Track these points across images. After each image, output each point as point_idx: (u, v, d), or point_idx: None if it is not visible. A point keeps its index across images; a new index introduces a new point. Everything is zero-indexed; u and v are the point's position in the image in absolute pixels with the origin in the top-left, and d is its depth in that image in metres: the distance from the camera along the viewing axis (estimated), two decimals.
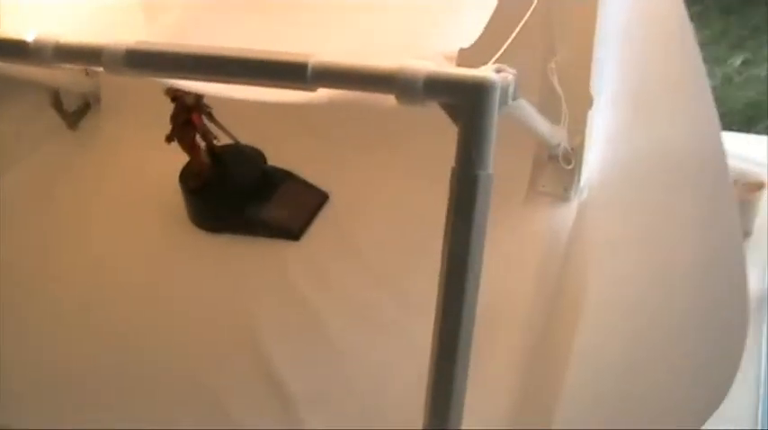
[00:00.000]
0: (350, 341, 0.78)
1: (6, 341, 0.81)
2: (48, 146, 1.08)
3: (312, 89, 0.54)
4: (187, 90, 0.80)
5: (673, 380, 0.70)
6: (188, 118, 0.87)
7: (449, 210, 0.51)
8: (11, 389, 0.77)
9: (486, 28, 0.59)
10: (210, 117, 0.89)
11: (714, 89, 0.71)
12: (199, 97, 0.86)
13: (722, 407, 0.64)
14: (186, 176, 0.92)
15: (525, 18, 0.59)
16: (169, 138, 0.88)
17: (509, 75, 0.52)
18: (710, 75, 1.61)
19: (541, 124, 0.73)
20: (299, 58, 0.53)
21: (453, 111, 0.50)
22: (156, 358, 0.79)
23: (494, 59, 0.54)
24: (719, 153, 0.72)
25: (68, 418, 0.76)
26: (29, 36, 0.62)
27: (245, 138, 0.92)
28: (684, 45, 0.73)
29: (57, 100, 1.12)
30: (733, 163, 0.85)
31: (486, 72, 0.49)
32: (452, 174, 0.50)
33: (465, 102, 0.49)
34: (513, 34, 0.57)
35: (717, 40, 1.93)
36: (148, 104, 0.90)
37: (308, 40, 0.65)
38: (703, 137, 0.74)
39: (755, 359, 0.74)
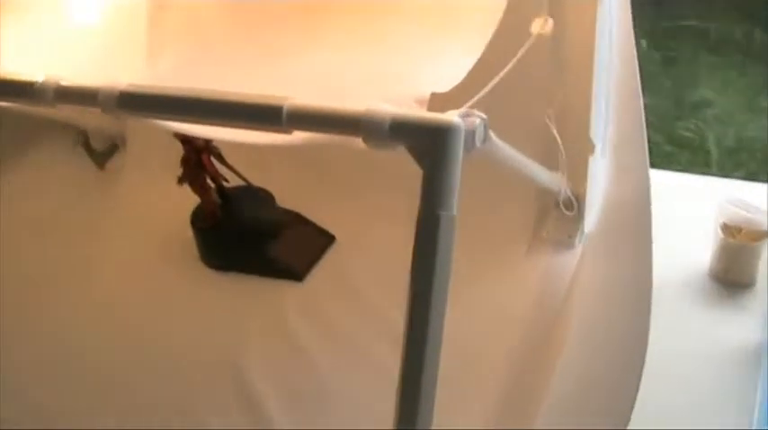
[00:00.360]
0: (339, 380, 0.79)
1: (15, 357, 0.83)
2: (75, 183, 1.11)
3: (288, 132, 0.56)
4: (179, 132, 0.82)
5: None
6: (198, 160, 0.90)
7: (413, 250, 0.52)
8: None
9: (469, 74, 0.60)
10: (220, 158, 0.91)
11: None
12: (208, 140, 0.88)
13: None
14: (197, 217, 0.94)
15: (508, 68, 0.60)
16: (180, 181, 0.91)
17: (476, 119, 0.52)
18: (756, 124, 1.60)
19: (531, 168, 0.73)
20: (275, 102, 0.55)
21: (418, 154, 0.51)
22: (146, 386, 0.81)
23: (469, 104, 0.54)
24: None
25: None
26: (33, 78, 0.66)
27: (256, 180, 0.94)
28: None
29: (86, 141, 1.17)
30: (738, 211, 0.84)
31: (449, 116, 0.50)
32: (417, 215, 0.51)
33: (428, 144, 0.50)
34: (492, 83, 0.58)
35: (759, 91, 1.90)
36: (169, 146, 0.92)
37: (292, 82, 0.67)
38: None
39: (749, 409, 0.72)
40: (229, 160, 0.92)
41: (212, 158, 0.91)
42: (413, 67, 0.63)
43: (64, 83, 0.65)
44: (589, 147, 0.82)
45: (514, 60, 0.59)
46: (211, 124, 0.59)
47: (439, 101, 0.55)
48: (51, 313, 0.90)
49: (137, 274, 0.95)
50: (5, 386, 0.80)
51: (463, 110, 0.52)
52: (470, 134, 0.51)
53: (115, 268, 0.95)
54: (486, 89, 0.56)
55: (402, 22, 0.71)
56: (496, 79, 0.58)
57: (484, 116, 0.53)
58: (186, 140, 0.88)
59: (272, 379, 0.79)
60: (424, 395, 0.52)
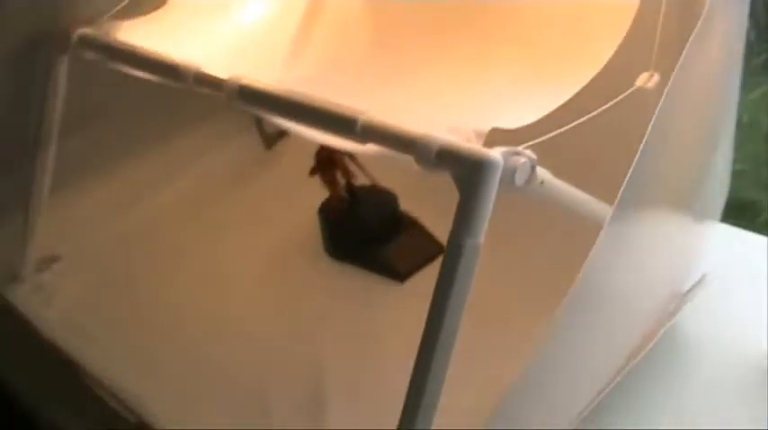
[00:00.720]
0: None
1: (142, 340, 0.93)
2: (241, 158, 1.22)
3: (362, 142, 0.61)
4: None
5: None
6: (330, 155, 0.97)
7: (439, 272, 0.56)
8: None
9: (548, 116, 0.62)
10: (351, 157, 0.98)
11: None
12: None
13: None
14: (324, 208, 1.02)
15: (584, 118, 0.61)
16: (312, 172, 0.99)
17: (522, 159, 0.55)
18: None
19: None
20: (352, 114, 0.61)
21: (457, 183, 0.55)
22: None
23: (527, 145, 0.57)
24: None
25: None
26: (178, 61, 0.76)
27: (384, 181, 1.01)
28: None
29: (259, 121, 1.29)
30: None
31: (491, 152, 0.54)
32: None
33: (465, 174, 0.54)
34: (562, 129, 0.59)
35: None
36: None
37: (403, 95, 0.72)
38: None
39: None
40: (360, 160, 0.99)
41: (344, 156, 0.98)
42: (496, 100, 0.66)
43: (202, 69, 0.75)
44: None
45: (598, 111, 0.60)
46: (300, 123, 0.66)
47: (503, 136, 0.58)
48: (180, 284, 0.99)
49: (263, 251, 1.03)
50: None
51: (510, 148, 0.55)
52: (510, 171, 0.54)
53: (247, 247, 1.04)
54: (551, 135, 0.58)
55: (514, 54, 0.74)
56: (568, 127, 0.59)
57: (533, 157, 0.56)
58: None
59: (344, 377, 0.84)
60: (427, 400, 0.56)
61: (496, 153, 0.54)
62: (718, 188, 0.80)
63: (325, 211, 1.02)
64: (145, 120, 1.07)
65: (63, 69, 0.91)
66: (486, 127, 0.58)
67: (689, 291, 0.83)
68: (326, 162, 0.98)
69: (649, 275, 0.66)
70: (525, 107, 0.62)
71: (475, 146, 0.55)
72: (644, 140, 0.52)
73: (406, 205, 1.03)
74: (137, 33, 0.87)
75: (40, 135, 0.93)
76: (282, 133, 1.30)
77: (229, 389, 0.82)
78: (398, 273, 0.96)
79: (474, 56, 0.75)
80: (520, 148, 0.56)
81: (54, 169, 0.95)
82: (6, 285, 0.96)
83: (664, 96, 0.51)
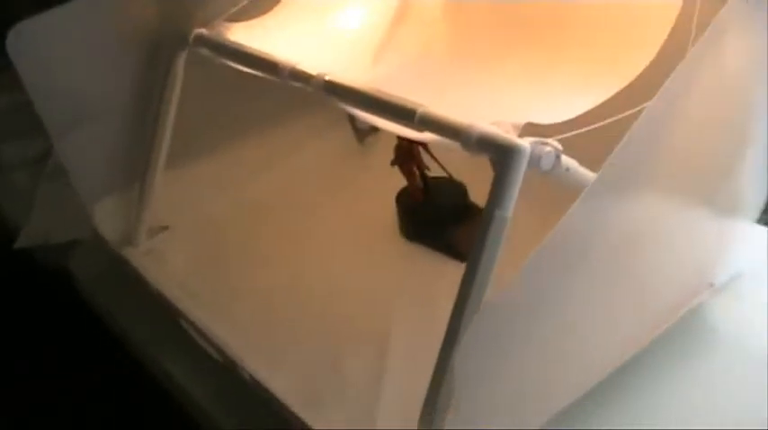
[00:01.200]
0: None
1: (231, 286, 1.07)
2: (332, 148, 1.35)
3: (420, 131, 0.73)
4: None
5: None
6: (410, 148, 1.09)
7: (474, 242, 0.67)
8: None
9: (584, 115, 0.71)
10: (426, 149, 1.09)
11: None
12: None
13: None
14: (401, 195, 1.14)
15: (612, 120, 0.70)
16: (393, 163, 1.10)
17: (548, 148, 0.66)
18: None
19: None
20: (412, 106, 0.73)
21: (494, 166, 0.66)
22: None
23: (556, 137, 0.67)
24: None
25: None
26: (277, 59, 0.89)
27: (457, 174, 1.12)
28: None
29: (351, 117, 1.41)
30: None
31: (521, 140, 0.65)
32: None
33: (498, 158, 0.65)
34: (590, 127, 0.68)
35: None
36: None
37: (465, 97, 0.83)
38: None
39: None
40: (436, 154, 1.10)
41: (421, 149, 1.09)
42: (538, 98, 0.77)
43: (297, 66, 0.88)
44: None
45: (624, 114, 0.68)
46: (371, 114, 0.78)
47: (537, 130, 0.68)
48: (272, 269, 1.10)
49: (348, 231, 1.15)
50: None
51: (539, 139, 0.66)
52: (537, 158, 0.65)
53: (330, 231, 1.16)
54: (579, 131, 0.67)
55: (563, 58, 0.83)
56: (596, 125, 0.69)
57: (558, 146, 0.66)
58: None
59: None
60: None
61: (525, 142, 0.65)
62: (754, 188, 0.87)
63: (403, 198, 1.14)
64: (251, 111, 1.21)
65: (180, 64, 1.05)
66: (523, 121, 0.68)
67: (715, 286, 0.90)
68: (405, 155, 1.10)
69: (656, 259, 0.74)
70: (562, 106, 0.72)
71: (508, 135, 0.65)
72: (638, 125, 0.60)
73: (475, 196, 1.13)
74: (244, 34, 1.01)
75: (158, 118, 1.08)
76: (373, 129, 1.43)
77: (304, 348, 0.94)
78: (461, 254, 1.07)
79: (529, 59, 0.85)
80: (548, 140, 0.66)
81: (168, 149, 1.10)
82: (122, 248, 1.11)
83: (661, 91, 0.60)
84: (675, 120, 0.64)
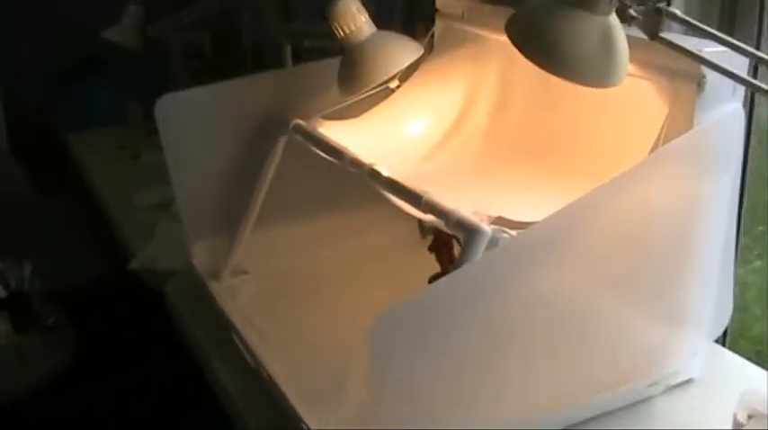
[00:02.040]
0: None
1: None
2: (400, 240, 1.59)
3: (425, 213, 0.98)
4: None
5: None
6: (445, 240, 1.32)
7: None
8: None
9: None
10: (459, 242, 1.32)
11: None
12: None
13: None
14: (433, 279, 1.35)
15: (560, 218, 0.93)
16: (429, 249, 1.33)
17: (505, 234, 0.89)
18: None
19: None
20: (420, 192, 0.98)
21: (463, 245, 0.90)
22: None
23: (512, 229, 0.91)
24: None
25: None
26: (343, 149, 1.17)
27: None
28: None
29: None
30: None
31: (481, 224, 0.88)
32: None
33: (466, 237, 0.89)
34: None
35: None
36: None
37: (471, 195, 1.07)
38: None
39: None
40: None
41: (455, 242, 1.33)
42: (518, 203, 1.00)
43: (356, 156, 1.15)
44: None
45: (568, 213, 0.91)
46: (395, 196, 1.03)
47: (504, 223, 0.91)
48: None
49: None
50: None
51: (500, 227, 0.89)
52: (495, 240, 0.88)
53: (377, 292, 1.38)
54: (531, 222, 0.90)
55: (556, 179, 1.07)
56: (543, 221, 0.90)
57: (513, 234, 0.89)
58: None
59: None
60: None
61: (488, 228, 0.88)
62: (704, 310, 1.06)
63: (434, 280, 1.36)
64: (335, 193, 1.46)
65: (280, 145, 1.35)
66: (496, 214, 0.92)
67: (667, 385, 1.07)
68: (441, 244, 1.33)
69: (568, 331, 0.93)
70: (533, 211, 0.94)
71: (477, 221, 0.89)
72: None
73: None
74: (333, 130, 1.30)
75: (257, 185, 1.37)
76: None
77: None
78: None
79: (528, 176, 1.10)
80: (506, 229, 0.89)
81: (260, 211, 1.38)
82: (208, 280, 1.39)
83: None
84: (588, 226, 0.86)
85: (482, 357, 0.88)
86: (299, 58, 2.00)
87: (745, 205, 1.25)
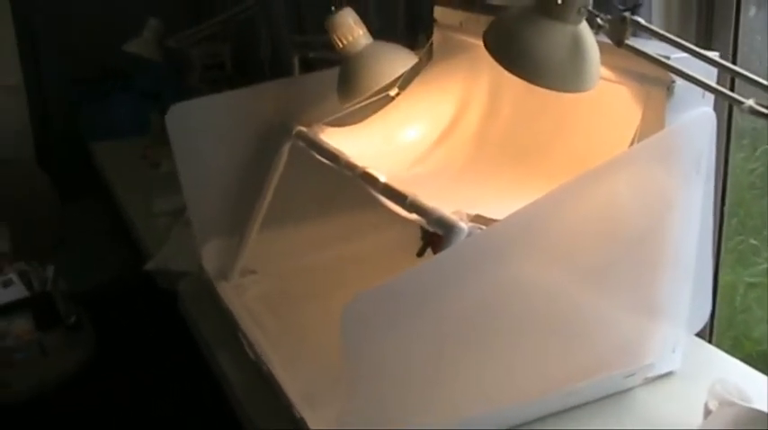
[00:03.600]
0: None
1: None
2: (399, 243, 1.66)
3: (410, 212, 1.04)
4: None
5: None
6: (433, 240, 1.37)
7: None
8: None
9: None
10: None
11: None
12: None
13: None
14: None
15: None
16: (419, 254, 1.38)
17: (479, 230, 0.95)
18: None
19: None
20: (405, 193, 1.04)
21: (443, 238, 0.96)
22: None
23: (485, 225, 0.96)
24: None
25: None
26: (343, 155, 1.23)
27: None
28: None
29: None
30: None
31: (459, 221, 0.94)
32: None
33: (444, 233, 0.95)
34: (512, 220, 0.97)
35: None
36: None
37: (455, 197, 1.13)
38: None
39: None
40: None
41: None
42: (497, 203, 1.06)
43: (350, 159, 1.21)
44: None
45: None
46: (383, 196, 1.09)
47: (483, 221, 0.97)
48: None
49: None
50: None
51: (476, 224, 0.95)
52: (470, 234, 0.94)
53: None
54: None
55: (536, 183, 1.12)
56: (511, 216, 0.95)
57: (483, 228, 0.95)
58: None
59: None
60: None
61: (465, 225, 0.94)
62: (680, 304, 1.11)
63: None
64: (342, 198, 1.53)
65: (285, 150, 1.42)
66: (474, 212, 0.98)
67: (630, 376, 1.11)
68: (431, 245, 1.38)
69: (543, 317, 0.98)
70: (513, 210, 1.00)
71: (454, 218, 0.95)
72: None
73: None
74: (334, 136, 1.36)
75: (263, 188, 1.44)
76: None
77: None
78: None
79: (511, 180, 1.16)
80: (483, 227, 0.95)
81: (267, 213, 1.45)
82: (218, 281, 1.46)
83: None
84: (557, 219, 0.92)
85: (454, 344, 0.94)
86: (310, 68, 2.07)
87: (727, 206, 1.30)
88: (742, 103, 0.88)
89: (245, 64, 2.81)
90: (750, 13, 1.21)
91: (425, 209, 0.99)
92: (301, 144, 1.37)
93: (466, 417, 0.99)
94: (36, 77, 3.00)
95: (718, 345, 1.28)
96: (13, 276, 2.02)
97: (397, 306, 0.88)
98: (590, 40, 0.95)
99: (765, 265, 1.63)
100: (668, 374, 1.16)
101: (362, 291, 0.84)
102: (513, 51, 0.93)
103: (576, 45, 0.93)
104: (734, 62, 1.16)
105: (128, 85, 2.89)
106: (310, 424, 1.04)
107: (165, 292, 1.59)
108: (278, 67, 2.65)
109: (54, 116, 3.02)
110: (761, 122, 1.48)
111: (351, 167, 1.19)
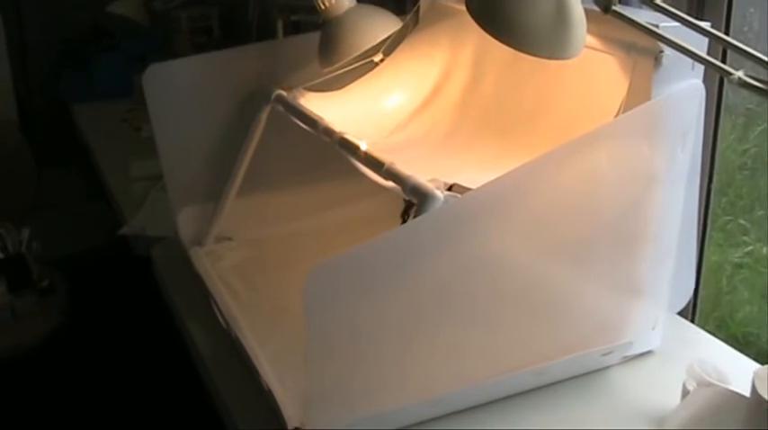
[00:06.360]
0: None
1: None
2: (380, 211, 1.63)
3: (386, 179, 1.00)
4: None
5: None
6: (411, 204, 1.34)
7: None
8: None
9: None
10: None
11: None
12: None
13: None
14: None
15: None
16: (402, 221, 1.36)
17: (453, 197, 0.91)
18: None
19: None
20: (382, 159, 1.00)
21: (417, 206, 0.92)
22: None
23: (462, 193, 0.93)
24: None
25: None
26: (319, 120, 1.19)
27: None
28: None
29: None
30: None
31: (435, 189, 0.91)
32: None
33: (419, 201, 0.91)
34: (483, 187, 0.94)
35: None
36: None
37: (436, 166, 1.09)
38: None
39: None
40: None
41: None
42: (477, 172, 1.02)
43: (329, 125, 1.18)
44: None
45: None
46: (360, 163, 1.06)
47: (460, 190, 0.94)
48: None
49: None
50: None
51: (451, 193, 0.92)
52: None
53: None
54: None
55: (519, 153, 1.09)
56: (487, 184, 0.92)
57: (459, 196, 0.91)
58: None
59: None
60: None
61: (440, 193, 0.91)
62: (661, 283, 1.08)
63: None
64: (321, 164, 1.48)
65: (263, 116, 1.38)
66: (452, 181, 0.95)
67: (608, 354, 1.09)
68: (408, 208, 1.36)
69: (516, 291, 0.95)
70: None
71: (429, 186, 0.91)
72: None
73: None
74: (314, 101, 1.33)
75: (240, 153, 1.40)
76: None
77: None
78: None
79: (493, 149, 1.12)
80: (453, 192, 0.92)
81: (244, 179, 1.42)
82: (192, 247, 1.43)
83: None
84: (534, 190, 0.89)
85: (426, 318, 0.91)
86: (297, 31, 2.02)
87: (715, 184, 1.27)
88: (731, 74, 0.85)
89: (233, 27, 2.76)
90: None
91: (401, 176, 0.96)
92: (280, 108, 1.33)
93: (438, 395, 0.97)
94: (19, 38, 2.94)
95: (703, 326, 1.26)
96: None
97: (364, 276, 0.85)
98: (576, 4, 0.91)
99: (753, 246, 1.62)
100: (647, 353, 1.13)
101: (326, 259, 0.80)
102: (497, 16, 0.89)
103: (561, 10, 0.89)
104: (726, 34, 1.12)
105: (113, 46, 2.83)
106: (278, 396, 1.01)
107: (140, 259, 1.56)
108: (266, 31, 2.61)
109: (37, 78, 2.96)
110: (755, 101, 1.45)
111: (329, 133, 1.15)
